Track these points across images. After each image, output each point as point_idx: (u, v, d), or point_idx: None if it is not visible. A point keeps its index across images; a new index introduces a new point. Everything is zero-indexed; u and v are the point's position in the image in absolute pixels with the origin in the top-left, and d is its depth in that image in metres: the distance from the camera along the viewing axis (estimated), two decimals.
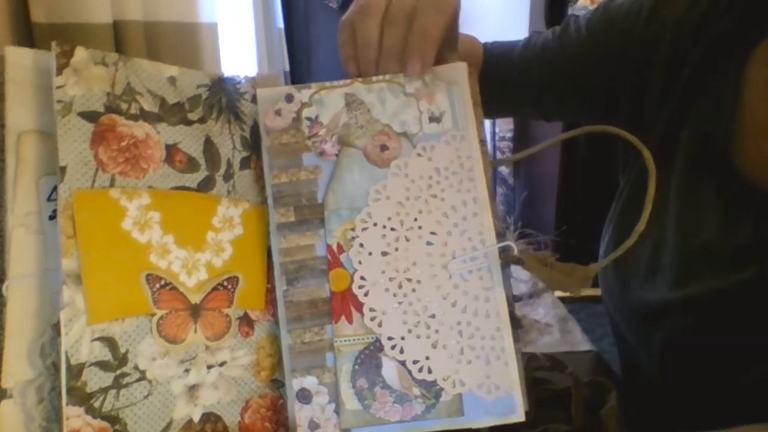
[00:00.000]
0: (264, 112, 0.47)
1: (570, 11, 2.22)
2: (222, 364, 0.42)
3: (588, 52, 0.65)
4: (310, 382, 0.44)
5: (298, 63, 1.98)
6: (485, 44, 0.72)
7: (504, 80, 0.69)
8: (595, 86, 0.65)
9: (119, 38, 1.07)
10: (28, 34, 0.98)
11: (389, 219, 0.45)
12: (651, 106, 0.61)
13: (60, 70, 0.38)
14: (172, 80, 0.43)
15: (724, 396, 0.56)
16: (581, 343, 0.84)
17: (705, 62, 0.57)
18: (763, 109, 0.54)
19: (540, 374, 0.54)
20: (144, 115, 0.41)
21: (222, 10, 1.36)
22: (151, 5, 1.13)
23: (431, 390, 0.43)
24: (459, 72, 0.47)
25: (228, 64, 1.43)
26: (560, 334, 0.84)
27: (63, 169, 0.38)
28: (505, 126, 2.52)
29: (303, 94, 0.47)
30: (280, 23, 1.70)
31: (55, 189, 0.39)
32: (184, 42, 1.17)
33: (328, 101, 0.47)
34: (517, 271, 0.47)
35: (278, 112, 0.47)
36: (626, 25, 0.62)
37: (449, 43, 0.48)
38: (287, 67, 1.71)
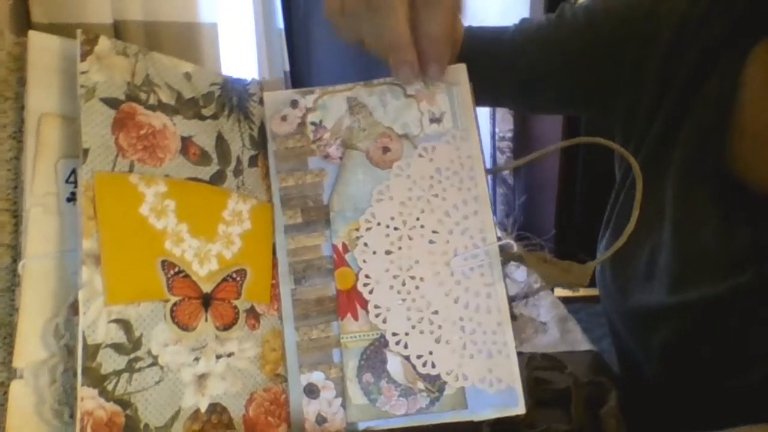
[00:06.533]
0: (270, 117, 0.48)
1: None
2: (230, 355, 0.42)
3: (584, 41, 0.62)
4: (317, 377, 0.44)
5: (299, 63, 1.92)
6: (468, 27, 0.67)
7: (492, 65, 0.66)
8: (591, 77, 0.63)
9: (119, 38, 1.05)
10: None
11: (392, 219, 0.47)
12: (647, 105, 0.60)
13: (84, 57, 0.39)
14: (187, 76, 0.44)
15: (723, 397, 0.57)
16: (581, 343, 0.84)
17: (703, 62, 0.56)
18: (759, 112, 0.52)
19: (540, 374, 0.55)
20: (161, 107, 0.42)
21: (222, 10, 1.36)
22: (151, 5, 1.13)
23: (435, 384, 0.44)
24: (459, 73, 0.49)
25: (228, 64, 1.42)
26: (560, 334, 0.84)
27: (86, 152, 0.38)
28: (505, 126, 2.46)
29: (307, 99, 0.49)
30: (281, 24, 1.69)
31: (73, 172, 0.39)
32: (184, 42, 1.17)
33: (331, 105, 0.49)
34: (513, 271, 0.49)
35: (284, 118, 0.48)
36: (625, 17, 0.60)
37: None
38: (287, 68, 1.69)
